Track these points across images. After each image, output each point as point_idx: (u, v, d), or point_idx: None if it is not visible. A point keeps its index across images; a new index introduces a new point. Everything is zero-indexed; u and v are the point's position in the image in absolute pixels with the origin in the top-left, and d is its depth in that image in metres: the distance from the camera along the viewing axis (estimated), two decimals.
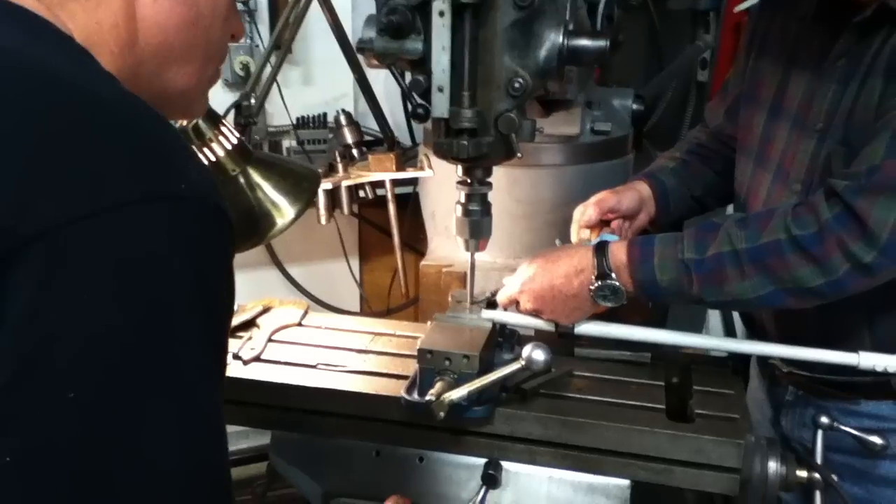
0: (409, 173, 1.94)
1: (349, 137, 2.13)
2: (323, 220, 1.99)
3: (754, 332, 1.53)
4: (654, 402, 1.30)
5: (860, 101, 1.24)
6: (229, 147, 1.33)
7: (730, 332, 2.50)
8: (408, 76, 1.24)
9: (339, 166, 2.00)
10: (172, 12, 0.82)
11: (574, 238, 1.51)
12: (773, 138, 1.44)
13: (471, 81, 1.19)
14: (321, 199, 1.96)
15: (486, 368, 1.26)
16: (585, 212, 1.50)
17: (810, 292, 1.18)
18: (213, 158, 1.33)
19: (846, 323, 1.34)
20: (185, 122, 1.32)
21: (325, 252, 3.44)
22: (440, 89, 1.19)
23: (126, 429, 0.64)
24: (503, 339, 1.40)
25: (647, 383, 1.37)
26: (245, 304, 1.65)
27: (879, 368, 1.23)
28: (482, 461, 1.30)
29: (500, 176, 1.80)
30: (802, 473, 1.27)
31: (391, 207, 2.06)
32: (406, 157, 2.16)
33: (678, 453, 1.21)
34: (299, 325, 1.60)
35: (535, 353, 1.19)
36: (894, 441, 1.37)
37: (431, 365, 1.25)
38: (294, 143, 3.01)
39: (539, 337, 1.40)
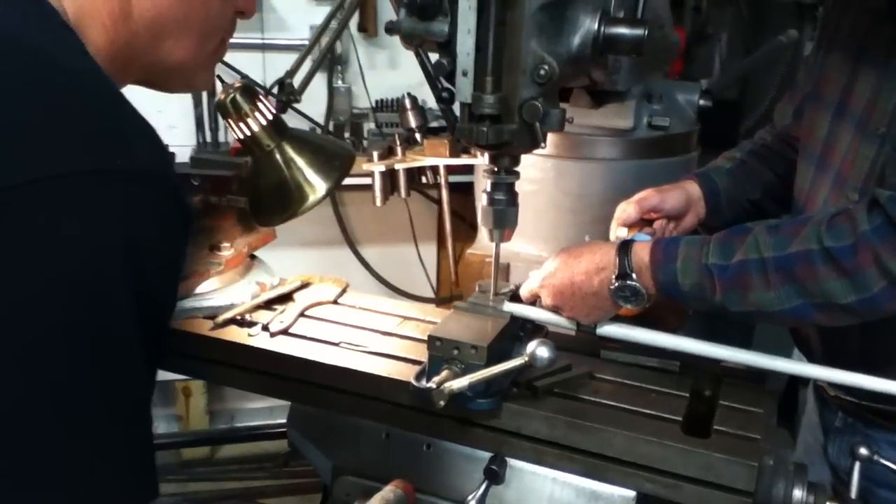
0: (461, 160, 1.92)
1: (413, 121, 2.13)
2: (378, 202, 2.00)
3: (801, 349, 1.43)
4: (672, 412, 1.24)
5: None
6: (264, 123, 1.36)
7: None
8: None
9: (399, 150, 2.01)
10: None
11: (612, 236, 1.45)
12: (836, 141, 1.33)
13: (495, 66, 1.16)
14: (377, 182, 1.98)
15: (495, 361, 1.23)
16: (625, 209, 1.43)
17: (841, 309, 1.08)
18: (248, 133, 1.36)
19: (892, 345, 1.22)
20: (223, 96, 1.35)
21: (404, 236, 3.48)
22: (464, 73, 1.17)
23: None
24: (524, 334, 1.37)
25: (669, 393, 1.30)
26: (286, 278, 1.69)
27: None
28: (488, 455, 1.27)
29: (548, 167, 1.78)
30: None
31: (444, 193, 2.05)
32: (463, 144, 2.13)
33: (687, 469, 1.15)
34: (334, 302, 1.62)
35: (539, 350, 1.15)
36: None
37: (440, 353, 1.24)
38: (374, 125, 3.07)
39: (578, 335, 1.35)
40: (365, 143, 3.06)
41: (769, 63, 2.31)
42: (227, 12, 0.95)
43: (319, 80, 3.32)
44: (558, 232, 1.74)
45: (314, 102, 3.34)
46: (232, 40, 3.78)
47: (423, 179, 2.21)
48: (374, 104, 3.06)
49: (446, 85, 1.21)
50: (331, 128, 3.10)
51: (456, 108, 1.25)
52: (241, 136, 1.37)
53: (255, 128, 1.36)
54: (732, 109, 3.00)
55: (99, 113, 0.72)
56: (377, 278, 3.30)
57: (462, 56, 1.16)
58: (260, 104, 1.36)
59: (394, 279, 3.37)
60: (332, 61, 3.16)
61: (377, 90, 3.25)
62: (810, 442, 1.59)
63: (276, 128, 1.38)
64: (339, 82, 3.28)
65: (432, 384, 1.17)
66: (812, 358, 1.39)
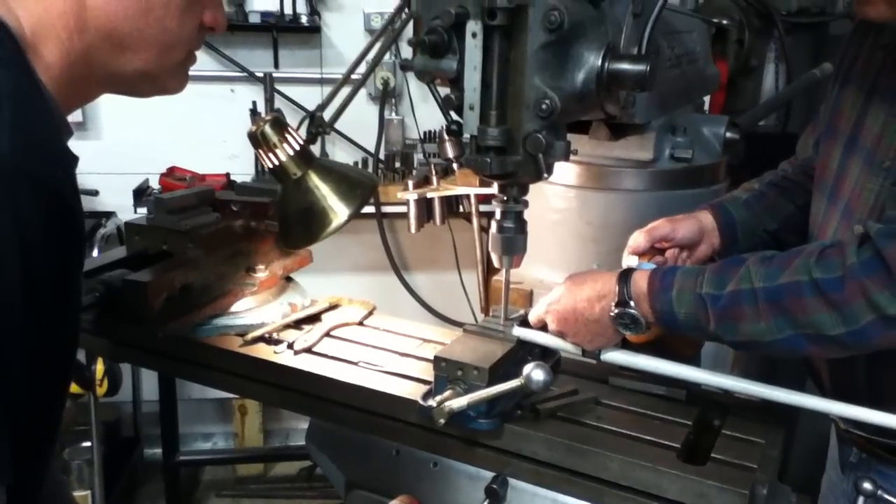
0: (490, 189, 1.96)
1: (450, 152, 2.20)
2: (412, 229, 2.07)
3: (815, 382, 1.42)
4: (672, 440, 1.25)
5: None
6: (292, 153, 1.45)
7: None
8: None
9: (434, 179, 2.08)
10: (121, 3, 0.92)
11: (624, 264, 1.48)
12: (847, 174, 1.33)
13: (499, 101, 1.22)
14: (412, 209, 2.05)
15: (499, 383, 1.27)
16: (637, 238, 1.46)
17: (831, 341, 1.08)
18: (276, 162, 1.46)
19: None
20: (254, 128, 1.46)
21: (452, 263, 3.55)
22: (471, 107, 1.24)
23: None
24: (531, 359, 1.40)
25: (673, 420, 1.32)
26: (317, 300, 1.78)
27: None
28: (492, 475, 1.31)
29: (571, 197, 1.82)
30: None
31: (475, 221, 2.11)
32: None
33: (681, 495, 1.16)
34: (360, 324, 1.69)
35: (535, 373, 1.19)
36: None
37: (445, 373, 1.29)
38: (422, 156, 3.16)
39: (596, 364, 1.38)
40: (414, 172, 3.16)
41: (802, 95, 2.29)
42: (187, 27, 1.02)
43: (374, 112, 3.47)
44: (581, 261, 1.77)
45: (368, 132, 3.48)
46: (292, 74, 3.97)
47: (461, 208, 2.27)
48: (422, 135, 3.16)
49: (456, 118, 1.28)
50: (381, 157, 3.22)
51: None
52: (271, 165, 1.47)
53: (283, 157, 1.45)
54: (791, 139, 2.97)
55: None
56: (422, 304, 3.37)
57: (469, 91, 1.22)
58: (288, 135, 1.45)
59: (441, 305, 3.44)
60: (384, 94, 3.28)
61: (428, 122, 3.36)
62: (833, 479, 1.57)
63: (304, 157, 1.47)
64: (393, 114, 3.41)
65: (432, 402, 1.23)
66: (823, 392, 1.38)
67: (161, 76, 1.03)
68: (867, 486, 1.19)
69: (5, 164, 0.78)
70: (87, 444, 3.16)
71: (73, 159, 0.94)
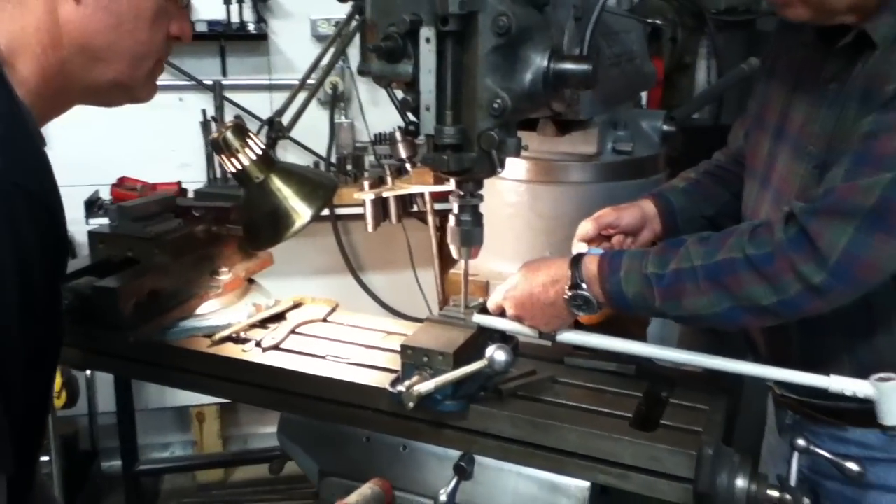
0: (444, 187, 2.06)
1: (403, 152, 2.28)
2: (370, 228, 2.14)
3: (752, 352, 1.54)
4: (624, 410, 1.35)
5: (839, 126, 1.25)
6: (254, 157, 1.51)
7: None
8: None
9: (389, 179, 2.15)
10: (93, 17, 0.97)
11: (574, 251, 1.57)
12: (776, 162, 1.45)
13: (454, 101, 1.29)
14: (368, 209, 2.12)
15: (463, 367, 1.35)
16: (585, 226, 1.56)
17: (765, 311, 1.19)
18: (239, 167, 1.51)
19: (827, 346, 1.33)
20: (216, 135, 1.51)
21: (407, 262, 3.62)
22: (427, 108, 1.31)
23: None
24: (492, 343, 1.48)
25: (624, 393, 1.42)
26: (280, 300, 1.83)
27: (849, 393, 1.22)
28: (459, 454, 1.39)
29: (522, 191, 1.91)
30: (774, 493, 1.28)
31: (430, 219, 2.18)
32: None
33: (635, 459, 1.26)
34: (324, 320, 1.75)
35: (497, 354, 1.27)
36: (881, 470, 1.35)
37: (412, 360, 1.36)
38: (373, 157, 3.23)
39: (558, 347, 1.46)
40: (366, 174, 3.22)
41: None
42: (157, 38, 1.08)
43: (324, 116, 3.52)
44: (534, 252, 1.86)
45: (319, 137, 3.52)
46: (240, 81, 4.01)
47: (415, 207, 2.35)
48: (373, 138, 3.23)
49: (413, 118, 1.36)
50: (333, 160, 3.27)
51: None
52: (234, 170, 1.52)
53: (246, 162, 1.50)
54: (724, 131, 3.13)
55: None
56: (379, 302, 3.43)
57: (425, 93, 1.29)
58: (249, 140, 1.51)
59: (397, 303, 3.51)
60: (333, 99, 3.34)
61: (379, 125, 3.43)
62: (772, 443, 1.69)
63: (265, 161, 1.52)
64: (343, 118, 3.46)
65: (401, 388, 1.30)
66: (761, 360, 1.49)
67: (133, 86, 1.08)
68: (800, 441, 1.30)
69: (2, 178, 0.83)
70: (46, 458, 3.13)
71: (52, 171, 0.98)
